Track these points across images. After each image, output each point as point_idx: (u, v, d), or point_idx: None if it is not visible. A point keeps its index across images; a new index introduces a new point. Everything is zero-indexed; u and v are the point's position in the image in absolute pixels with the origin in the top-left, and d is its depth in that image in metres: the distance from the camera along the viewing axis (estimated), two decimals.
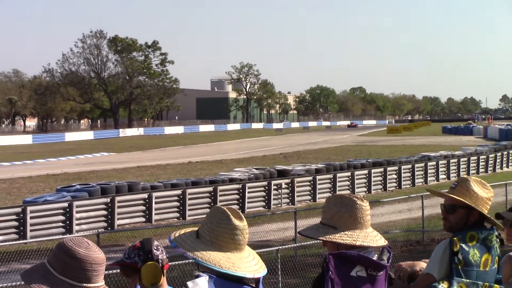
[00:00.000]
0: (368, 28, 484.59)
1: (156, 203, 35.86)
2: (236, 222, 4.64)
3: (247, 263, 4.63)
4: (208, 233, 4.65)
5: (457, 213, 5.91)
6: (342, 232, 5.07)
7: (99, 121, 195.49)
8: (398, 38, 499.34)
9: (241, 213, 4.76)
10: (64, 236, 29.91)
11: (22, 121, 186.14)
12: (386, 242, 5.19)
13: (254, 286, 4.60)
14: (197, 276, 4.42)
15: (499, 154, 63.64)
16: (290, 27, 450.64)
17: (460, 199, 5.88)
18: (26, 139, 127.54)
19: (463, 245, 5.71)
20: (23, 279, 4.24)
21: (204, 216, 4.81)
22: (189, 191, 37.50)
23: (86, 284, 4.12)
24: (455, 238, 5.72)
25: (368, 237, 5.08)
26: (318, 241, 5.24)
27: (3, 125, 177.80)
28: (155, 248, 4.80)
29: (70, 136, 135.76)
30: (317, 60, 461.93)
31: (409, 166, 51.64)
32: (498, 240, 5.95)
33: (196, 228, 4.79)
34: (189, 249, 4.60)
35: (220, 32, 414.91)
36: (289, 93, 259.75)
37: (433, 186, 47.64)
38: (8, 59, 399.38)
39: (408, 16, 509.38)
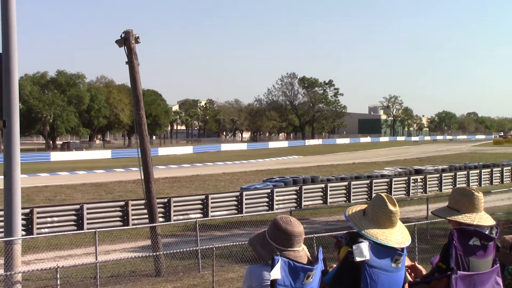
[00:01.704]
0: (481, 69, 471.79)
1: (330, 190, 35.88)
2: (391, 207, 4.62)
3: (396, 236, 4.59)
4: (371, 212, 4.65)
5: None
6: (464, 214, 5.02)
7: (291, 134, 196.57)
8: (500, 77, 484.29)
9: (395, 200, 4.74)
10: (268, 212, 30.37)
11: (240, 134, 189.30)
12: (494, 222, 5.10)
13: (400, 250, 4.56)
14: (360, 242, 4.41)
15: None
16: (425, 67, 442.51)
17: None
18: (243, 146, 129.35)
19: None
20: (249, 242, 4.46)
21: (363, 200, 4.83)
22: (353, 183, 37.45)
23: (287, 248, 4.23)
24: None
25: (482, 218, 5.01)
26: (445, 219, 5.16)
27: (227, 137, 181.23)
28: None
29: (272, 145, 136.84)
30: (445, 90, 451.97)
31: (509, 167, 50.78)
32: None
33: (364, 206, 4.79)
34: (356, 224, 4.62)
35: (375, 71, 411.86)
36: (423, 116, 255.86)
37: None
38: (230, 92, 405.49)
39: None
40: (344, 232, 4.90)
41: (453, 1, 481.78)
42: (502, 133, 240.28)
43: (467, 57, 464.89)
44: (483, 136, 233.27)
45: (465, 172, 45.89)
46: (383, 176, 42.13)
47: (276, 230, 4.31)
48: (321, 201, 35.53)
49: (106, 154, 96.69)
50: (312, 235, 17.95)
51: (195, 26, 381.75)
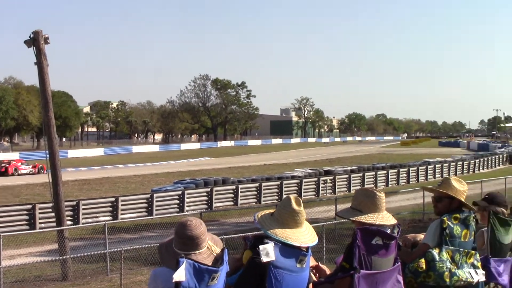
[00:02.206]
0: (391, 72, 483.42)
1: (241, 192, 35.96)
2: (295, 206, 4.64)
3: (301, 236, 4.62)
4: (278, 213, 4.69)
5: (443, 202, 5.93)
6: (366, 215, 5.11)
7: (204, 136, 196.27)
8: (409, 80, 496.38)
9: (301, 201, 4.76)
10: (178, 214, 30.20)
11: (152, 135, 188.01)
12: (396, 221, 5.19)
13: (305, 250, 4.58)
14: (266, 243, 4.41)
15: (477, 160, 63.53)
16: (336, 69, 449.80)
17: (444, 191, 5.89)
18: (154, 148, 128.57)
19: (449, 223, 5.70)
20: (158, 247, 4.49)
21: (274, 201, 4.86)
22: (263, 184, 37.66)
23: (189, 252, 4.17)
24: (444, 218, 5.73)
25: (384, 218, 5.10)
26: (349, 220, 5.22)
27: (139, 138, 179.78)
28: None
29: (184, 146, 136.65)
30: (355, 92, 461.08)
31: (415, 168, 52.04)
32: (474, 220, 5.91)
33: (273, 210, 4.80)
34: (261, 223, 4.66)
35: (287, 73, 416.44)
36: (333, 117, 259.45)
37: (432, 182, 47.22)
38: (144, 93, 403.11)
39: (408, 65, 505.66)
40: (252, 233, 4.91)
41: (366, 4, 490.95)
42: (406, 134, 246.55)
43: (376, 60, 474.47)
44: (391, 138, 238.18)
45: (373, 173, 46.79)
46: (293, 177, 42.57)
47: (176, 236, 4.26)
48: (232, 203, 35.59)
49: (13, 156, 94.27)
50: (222, 237, 17.92)
51: (106, 26, 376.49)
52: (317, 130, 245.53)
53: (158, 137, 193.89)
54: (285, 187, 37.96)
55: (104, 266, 20.22)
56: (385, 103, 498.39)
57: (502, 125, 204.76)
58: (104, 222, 23.43)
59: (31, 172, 64.19)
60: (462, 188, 5.96)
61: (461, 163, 59.26)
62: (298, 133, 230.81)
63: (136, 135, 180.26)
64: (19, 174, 62.46)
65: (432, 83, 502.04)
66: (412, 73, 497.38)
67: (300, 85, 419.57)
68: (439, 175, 51.76)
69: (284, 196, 35.01)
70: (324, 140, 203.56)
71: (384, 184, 46.09)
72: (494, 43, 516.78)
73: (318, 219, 27.53)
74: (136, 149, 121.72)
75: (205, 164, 76.13)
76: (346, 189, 42.53)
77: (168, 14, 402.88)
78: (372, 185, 43.00)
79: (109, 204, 30.23)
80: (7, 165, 63.81)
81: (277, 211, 4.72)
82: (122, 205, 30.16)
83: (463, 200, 5.93)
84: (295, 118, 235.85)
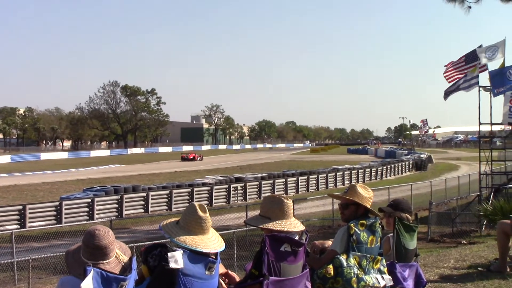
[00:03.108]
0: (299, 81, 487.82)
1: (151, 199, 35.79)
2: (200, 213, 4.64)
3: (209, 242, 4.62)
4: (183, 220, 4.67)
5: (349, 209, 6.00)
6: (274, 222, 5.13)
7: (113, 143, 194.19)
8: (318, 87, 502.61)
9: (206, 207, 4.76)
10: (88, 222, 29.80)
11: (60, 142, 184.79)
12: (304, 228, 5.24)
13: (214, 257, 4.58)
14: (175, 250, 4.39)
15: (384, 167, 64.63)
16: (246, 77, 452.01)
17: (350, 198, 5.97)
18: (63, 155, 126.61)
19: (356, 229, 5.77)
20: (65, 254, 4.39)
21: (185, 208, 4.80)
22: (174, 191, 37.56)
23: (97, 261, 4.11)
24: (351, 225, 5.78)
25: (291, 224, 5.14)
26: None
27: (48, 145, 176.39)
28: (150, 256, 4.64)
29: (94, 153, 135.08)
30: (265, 100, 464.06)
31: (324, 175, 52.32)
32: (380, 226, 6.01)
33: (177, 218, 4.78)
34: (168, 232, 4.62)
35: (197, 82, 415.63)
36: (244, 124, 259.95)
37: (341, 189, 47.58)
38: (52, 100, 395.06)
39: (322, 76, 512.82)
40: (150, 243, 4.86)
41: (273, 10, 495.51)
42: (308, 141, 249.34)
43: (286, 68, 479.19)
44: (301, 145, 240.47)
45: (283, 180, 47.06)
46: (204, 184, 42.52)
47: (84, 245, 4.19)
48: (143, 210, 35.37)
49: None
50: (132, 245, 17.75)
51: (10, 28, 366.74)
52: (227, 137, 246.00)
53: (67, 144, 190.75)
54: (196, 194, 37.97)
55: (11, 276, 19.76)
56: (295, 111, 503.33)
57: (408, 132, 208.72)
58: (11, 231, 22.93)
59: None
60: (367, 195, 6.05)
61: (369, 170, 60.35)
62: (209, 140, 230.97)
63: (44, 142, 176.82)
64: None
65: (340, 91, 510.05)
66: (321, 81, 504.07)
67: (210, 93, 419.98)
68: (348, 182, 52.34)
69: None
70: (235, 147, 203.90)
71: (294, 191, 46.49)
72: (399, 55, 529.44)
73: (229, 226, 27.58)
74: (45, 156, 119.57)
75: (115, 171, 75.24)
76: (256, 196, 42.70)
77: (76, 18, 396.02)
78: (283, 192, 43.42)
79: (17, 212, 29.60)
80: None
81: (183, 219, 4.71)
82: (30, 213, 29.60)
83: (368, 206, 6.02)
84: (205, 125, 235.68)
